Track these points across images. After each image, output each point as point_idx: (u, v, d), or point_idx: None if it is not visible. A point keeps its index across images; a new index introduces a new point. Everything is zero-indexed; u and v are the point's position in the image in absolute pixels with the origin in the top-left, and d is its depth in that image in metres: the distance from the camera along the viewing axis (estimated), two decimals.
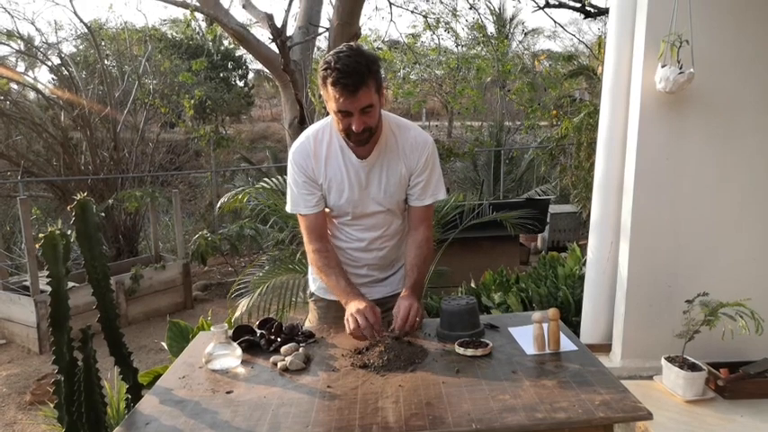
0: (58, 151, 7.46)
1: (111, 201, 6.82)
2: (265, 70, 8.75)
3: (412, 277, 1.87)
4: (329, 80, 1.65)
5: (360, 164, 1.85)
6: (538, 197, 7.35)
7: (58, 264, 1.97)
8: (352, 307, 1.71)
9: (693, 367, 2.18)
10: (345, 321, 1.71)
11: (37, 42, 10.59)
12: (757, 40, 2.31)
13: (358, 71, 1.64)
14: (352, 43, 1.78)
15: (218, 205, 4.77)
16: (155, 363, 4.42)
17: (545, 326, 1.63)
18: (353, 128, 1.70)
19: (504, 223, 4.44)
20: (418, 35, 9.81)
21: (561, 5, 9.19)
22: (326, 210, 1.95)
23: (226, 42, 16.20)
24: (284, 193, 3.94)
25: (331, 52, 1.72)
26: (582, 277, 3.14)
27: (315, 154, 1.86)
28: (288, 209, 1.96)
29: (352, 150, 1.84)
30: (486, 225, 4.48)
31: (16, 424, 3.76)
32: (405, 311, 1.73)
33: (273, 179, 4.25)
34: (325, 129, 1.87)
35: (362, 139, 1.75)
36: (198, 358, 1.70)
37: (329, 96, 1.69)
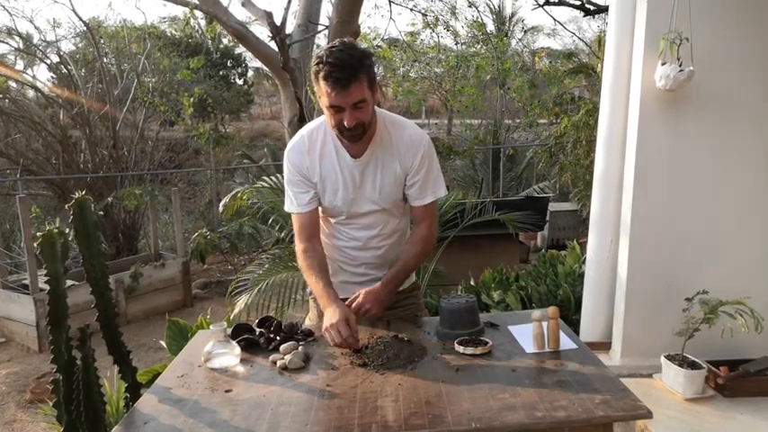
0: (57, 149, 7.46)
1: (110, 199, 6.82)
2: (265, 68, 8.73)
3: (396, 266, 1.88)
4: (321, 74, 1.65)
5: (354, 163, 1.84)
6: (536, 195, 7.35)
7: (57, 262, 1.97)
8: (326, 320, 1.71)
9: (693, 365, 2.18)
10: (323, 334, 1.71)
11: (36, 40, 10.58)
12: (757, 37, 2.31)
13: (350, 65, 1.64)
14: (345, 39, 1.77)
15: (221, 207, 4.77)
16: (154, 361, 4.42)
17: (545, 324, 1.63)
18: (345, 123, 1.69)
19: (504, 222, 4.44)
20: (417, 33, 9.80)
21: (561, 3, 9.17)
22: (321, 209, 1.94)
23: (225, 40, 16.16)
24: (283, 192, 3.95)
25: (323, 47, 1.72)
26: (582, 275, 3.14)
27: (309, 152, 1.86)
28: (285, 208, 1.96)
29: (346, 149, 1.83)
30: (485, 223, 4.48)
31: (16, 422, 3.76)
32: (359, 302, 1.76)
33: (272, 177, 4.25)
34: (319, 128, 1.87)
35: (355, 134, 1.74)
36: (197, 357, 1.70)
37: (321, 91, 1.68)
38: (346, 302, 1.77)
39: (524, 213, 4.55)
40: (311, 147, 1.86)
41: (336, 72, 1.62)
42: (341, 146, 1.83)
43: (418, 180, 1.88)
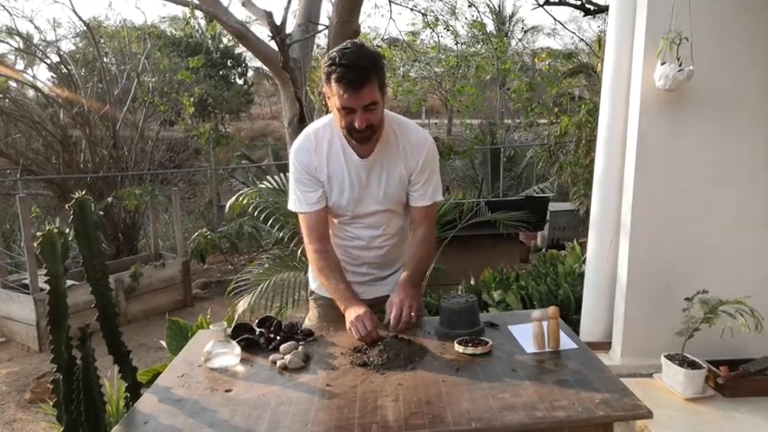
0: (57, 149, 7.45)
1: (110, 199, 6.82)
2: (265, 68, 8.72)
3: (410, 267, 1.87)
4: (333, 76, 1.65)
5: (360, 163, 1.84)
6: (536, 195, 7.35)
7: (57, 262, 1.97)
8: (352, 314, 1.71)
9: (693, 365, 2.18)
10: (348, 330, 1.72)
11: (36, 40, 10.57)
12: (757, 37, 2.30)
13: (363, 67, 1.64)
14: (356, 40, 1.77)
15: (227, 207, 4.79)
16: (154, 361, 4.42)
17: (545, 324, 1.63)
18: (356, 125, 1.69)
19: (498, 224, 4.47)
20: (417, 33, 9.81)
21: (561, 3, 9.17)
22: (327, 209, 1.94)
23: (225, 40, 16.17)
24: (285, 192, 3.96)
25: (335, 48, 1.71)
26: (582, 275, 3.14)
27: (317, 150, 1.85)
28: (290, 207, 1.95)
29: (354, 149, 1.83)
30: (485, 223, 4.49)
31: (16, 422, 3.76)
32: (398, 309, 1.72)
33: (275, 177, 4.25)
34: (326, 127, 1.86)
35: (365, 136, 1.74)
36: (197, 357, 1.70)
37: (333, 92, 1.68)
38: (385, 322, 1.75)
39: (523, 213, 4.56)
40: (318, 145, 1.85)
41: (349, 74, 1.62)
42: (347, 145, 1.83)
43: (420, 181, 1.89)
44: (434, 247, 2.02)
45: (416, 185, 1.90)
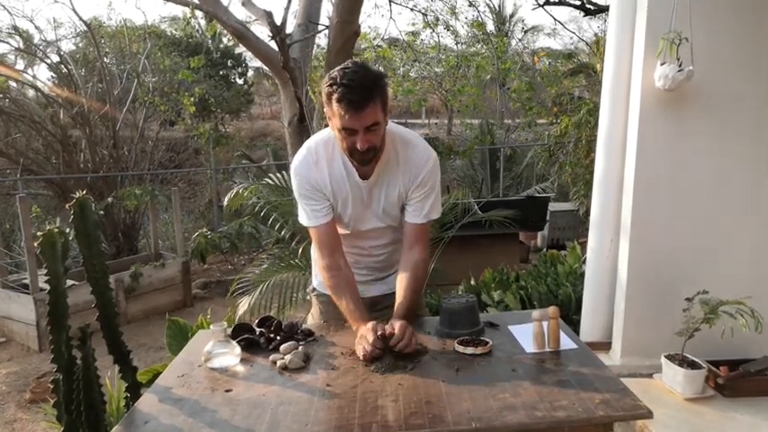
0: (57, 149, 7.45)
1: (110, 199, 6.82)
2: (265, 68, 8.72)
3: (405, 302, 1.78)
4: (335, 96, 1.61)
5: (362, 183, 1.82)
6: (537, 195, 7.35)
7: (57, 262, 1.97)
8: (359, 334, 1.66)
9: (693, 365, 2.18)
10: (356, 348, 1.65)
11: (36, 40, 10.57)
12: (756, 37, 2.31)
13: (365, 87, 1.60)
14: (357, 59, 1.74)
15: (225, 203, 4.78)
16: (154, 361, 4.42)
17: (545, 324, 1.63)
18: (358, 146, 1.65)
19: (490, 222, 4.47)
20: (418, 33, 9.82)
21: (561, 3, 9.18)
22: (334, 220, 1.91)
23: (225, 39, 16.16)
24: (284, 189, 3.96)
25: (337, 68, 1.67)
26: (582, 275, 3.14)
27: (317, 164, 1.82)
28: (300, 221, 1.92)
29: (356, 168, 1.80)
30: (485, 223, 4.49)
31: (16, 422, 3.76)
32: (400, 331, 1.61)
33: (276, 174, 4.25)
34: (327, 143, 1.83)
35: (366, 158, 1.71)
36: (197, 357, 1.70)
37: (333, 113, 1.64)
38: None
39: (522, 213, 4.56)
40: (319, 160, 1.82)
41: (350, 93, 1.59)
42: (349, 164, 1.80)
43: (418, 197, 1.84)
44: (426, 271, 1.93)
45: (412, 201, 1.85)
